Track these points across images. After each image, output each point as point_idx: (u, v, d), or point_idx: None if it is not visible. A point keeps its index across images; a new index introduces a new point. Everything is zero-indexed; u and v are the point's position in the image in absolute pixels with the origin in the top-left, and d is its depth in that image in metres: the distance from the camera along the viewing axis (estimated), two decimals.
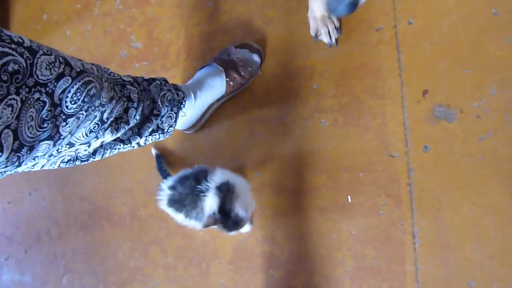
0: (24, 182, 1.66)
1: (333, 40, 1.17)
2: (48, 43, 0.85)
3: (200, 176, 1.08)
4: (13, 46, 0.63)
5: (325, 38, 1.18)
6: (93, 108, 0.78)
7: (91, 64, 0.83)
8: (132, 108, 0.92)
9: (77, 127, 0.78)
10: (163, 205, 1.11)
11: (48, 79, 0.69)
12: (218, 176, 1.05)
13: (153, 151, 1.38)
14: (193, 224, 1.08)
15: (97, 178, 1.50)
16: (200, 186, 1.04)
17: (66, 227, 1.56)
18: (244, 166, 1.29)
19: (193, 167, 1.15)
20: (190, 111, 1.21)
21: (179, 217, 1.09)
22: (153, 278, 1.41)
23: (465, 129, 1.06)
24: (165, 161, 1.35)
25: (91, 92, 0.77)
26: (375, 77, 1.16)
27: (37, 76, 0.67)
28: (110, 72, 0.93)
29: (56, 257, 1.58)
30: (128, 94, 0.92)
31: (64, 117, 0.73)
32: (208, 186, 1.03)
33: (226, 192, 1.00)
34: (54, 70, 0.70)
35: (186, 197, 1.05)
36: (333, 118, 1.19)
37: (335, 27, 1.16)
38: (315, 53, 1.21)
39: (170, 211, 1.10)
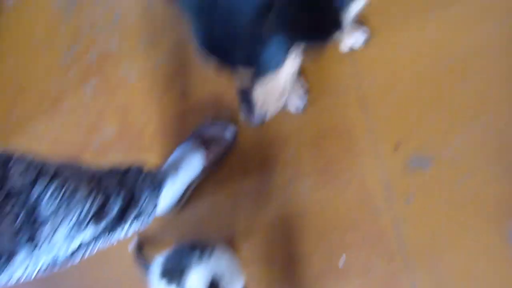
0: None
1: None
2: (19, 141, 0.85)
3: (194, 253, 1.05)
4: None
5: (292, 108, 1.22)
6: (74, 204, 0.77)
7: (63, 163, 0.83)
8: (111, 202, 0.91)
9: (59, 224, 0.75)
10: (154, 279, 1.06)
11: (21, 186, 0.68)
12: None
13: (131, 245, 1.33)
14: None
15: (78, 274, 1.43)
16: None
17: None
18: (231, 240, 1.26)
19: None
20: (171, 191, 1.20)
21: None
22: None
23: (442, 174, 1.09)
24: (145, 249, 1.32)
25: (70, 188, 0.76)
26: (348, 136, 1.19)
27: (11, 184, 0.66)
28: (86, 167, 0.93)
29: None
30: (107, 185, 0.91)
31: (40, 220, 0.71)
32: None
33: None
34: (28, 177, 0.70)
35: (179, 271, 1.01)
36: (313, 181, 1.20)
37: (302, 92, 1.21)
38: (288, 121, 1.25)
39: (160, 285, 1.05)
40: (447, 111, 1.11)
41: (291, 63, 0.75)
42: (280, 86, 0.79)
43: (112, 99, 1.51)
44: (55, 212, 0.73)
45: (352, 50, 1.21)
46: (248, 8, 0.58)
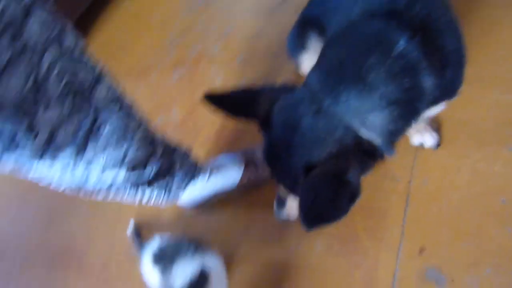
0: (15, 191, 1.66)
1: None
2: None
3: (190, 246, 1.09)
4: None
5: None
6: (123, 139, 0.84)
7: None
8: (153, 160, 0.98)
9: (103, 150, 0.83)
10: (146, 255, 1.10)
11: (100, 99, 0.77)
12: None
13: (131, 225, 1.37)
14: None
15: (87, 216, 1.49)
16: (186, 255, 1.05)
17: (32, 255, 1.51)
18: (227, 256, 1.27)
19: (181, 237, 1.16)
20: (200, 187, 1.25)
21: (152, 271, 1.07)
22: None
23: None
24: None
25: (130, 127, 0.84)
26: (379, 221, 1.20)
27: (94, 91, 0.75)
28: (149, 123, 1.02)
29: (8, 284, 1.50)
30: (156, 146, 0.99)
31: (98, 134, 0.79)
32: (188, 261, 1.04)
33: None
34: (109, 95, 0.78)
35: (170, 256, 1.05)
36: (329, 244, 1.21)
37: None
38: None
39: (149, 262, 1.08)
40: (482, 246, 1.09)
41: None
42: None
43: (191, 92, 1.63)
44: (112, 133, 0.81)
45: (419, 146, 1.24)
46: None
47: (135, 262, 1.20)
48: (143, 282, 1.13)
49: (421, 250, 1.13)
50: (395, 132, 0.77)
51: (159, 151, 1.00)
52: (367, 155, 0.76)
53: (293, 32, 1.29)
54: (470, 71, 1.27)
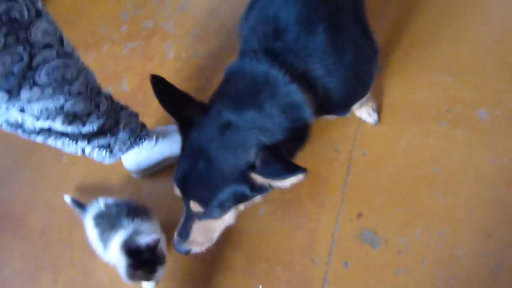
0: None
1: None
2: None
3: (130, 211, 1.09)
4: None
5: None
6: (60, 91, 0.82)
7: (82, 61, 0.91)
8: (94, 115, 0.96)
9: (37, 99, 0.81)
10: (88, 216, 1.08)
11: (36, 43, 0.75)
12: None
13: (67, 198, 1.31)
14: (99, 246, 1.05)
15: (25, 183, 1.45)
16: (124, 220, 1.05)
17: None
18: (173, 224, 1.27)
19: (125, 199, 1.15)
20: (146, 152, 1.25)
21: (93, 233, 1.06)
22: None
23: (385, 258, 1.12)
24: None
25: (67, 76, 0.82)
26: (321, 187, 1.25)
27: (30, 34, 0.73)
28: (94, 78, 1.00)
29: None
30: (98, 102, 0.97)
31: (31, 82, 0.76)
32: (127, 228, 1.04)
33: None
34: (46, 39, 0.76)
35: (110, 219, 1.04)
36: (273, 209, 1.24)
37: None
38: None
39: (90, 224, 1.07)
40: (414, 209, 1.16)
41: (231, 216, 0.95)
42: (214, 231, 0.97)
43: (142, 64, 1.62)
44: (48, 83, 0.79)
45: (360, 119, 1.31)
46: (232, 169, 0.81)
47: (77, 226, 1.18)
48: (85, 244, 1.12)
49: (359, 215, 1.19)
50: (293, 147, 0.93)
51: (103, 107, 0.98)
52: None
53: (244, 16, 1.32)
54: (413, 53, 1.37)
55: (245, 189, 0.83)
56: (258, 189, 0.85)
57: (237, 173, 0.80)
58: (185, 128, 0.88)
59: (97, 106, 0.97)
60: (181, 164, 0.87)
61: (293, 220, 1.21)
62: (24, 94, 0.77)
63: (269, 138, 0.83)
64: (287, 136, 0.86)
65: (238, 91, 0.87)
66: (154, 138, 1.23)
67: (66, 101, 0.86)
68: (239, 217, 1.24)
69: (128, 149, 1.13)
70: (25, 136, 0.92)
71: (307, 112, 0.88)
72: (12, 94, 0.76)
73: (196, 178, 0.84)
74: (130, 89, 1.56)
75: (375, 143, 1.28)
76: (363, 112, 1.28)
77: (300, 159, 1.28)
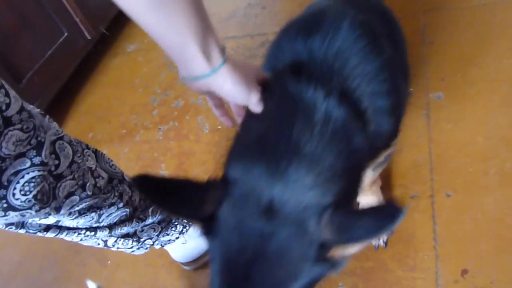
0: None
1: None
2: None
3: None
4: None
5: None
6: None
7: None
8: (115, 206, 0.84)
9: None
10: None
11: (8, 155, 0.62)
12: None
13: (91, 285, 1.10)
14: None
15: None
16: None
17: None
18: None
19: None
20: (193, 241, 1.09)
21: None
22: None
23: None
24: None
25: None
26: (407, 245, 1.02)
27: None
28: (112, 165, 0.89)
29: None
30: (121, 191, 0.85)
31: (5, 206, 0.64)
32: None
33: None
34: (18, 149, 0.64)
35: None
36: (353, 283, 1.02)
37: None
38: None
39: None
40: None
41: None
42: None
43: (179, 145, 1.52)
44: (28, 205, 0.67)
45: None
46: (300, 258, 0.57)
47: None
48: None
49: (463, 272, 0.94)
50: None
51: (126, 194, 0.87)
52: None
53: None
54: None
55: (322, 270, 0.61)
56: (333, 263, 0.63)
57: (310, 259, 0.59)
58: (208, 227, 0.61)
59: (120, 196, 0.86)
60: (220, 279, 0.59)
61: None
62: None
63: (326, 193, 0.59)
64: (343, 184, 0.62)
65: (259, 139, 0.64)
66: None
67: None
68: None
69: (159, 236, 0.98)
70: (30, 234, 0.78)
71: (360, 137, 0.66)
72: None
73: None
74: (169, 174, 1.44)
75: (459, 178, 1.07)
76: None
77: None
